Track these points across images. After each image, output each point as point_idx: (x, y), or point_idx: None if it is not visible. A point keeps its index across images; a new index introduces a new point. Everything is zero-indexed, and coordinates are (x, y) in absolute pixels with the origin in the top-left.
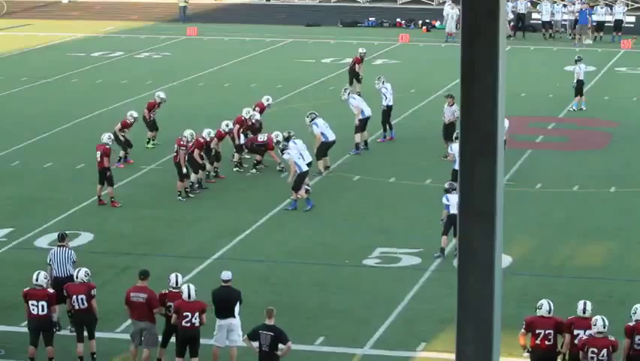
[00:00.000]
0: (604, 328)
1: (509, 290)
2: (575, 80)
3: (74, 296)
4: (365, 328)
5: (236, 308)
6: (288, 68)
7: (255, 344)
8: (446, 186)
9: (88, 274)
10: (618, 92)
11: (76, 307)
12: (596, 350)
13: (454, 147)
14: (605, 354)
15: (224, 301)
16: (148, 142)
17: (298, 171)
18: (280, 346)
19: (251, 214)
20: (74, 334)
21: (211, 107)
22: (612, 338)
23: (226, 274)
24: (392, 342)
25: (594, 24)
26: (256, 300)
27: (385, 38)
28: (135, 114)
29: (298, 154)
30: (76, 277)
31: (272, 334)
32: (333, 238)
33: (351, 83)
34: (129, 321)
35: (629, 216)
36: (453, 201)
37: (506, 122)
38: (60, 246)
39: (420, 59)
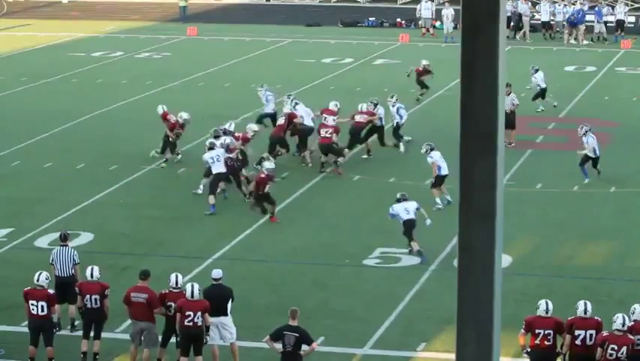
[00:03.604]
0: (623, 326)
1: (509, 290)
2: (539, 89)
3: (87, 296)
4: (365, 328)
5: (229, 306)
6: (288, 68)
7: (278, 345)
8: (398, 196)
9: (100, 272)
10: (618, 92)
11: (88, 305)
12: (615, 348)
13: (434, 155)
14: (625, 352)
15: (216, 300)
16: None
17: None
18: (304, 347)
19: (251, 214)
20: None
21: (211, 108)
22: (631, 337)
23: (216, 273)
24: (392, 342)
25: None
26: (256, 300)
27: (385, 38)
28: (186, 115)
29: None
30: (91, 276)
31: (296, 335)
32: (333, 238)
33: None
34: (129, 321)
35: (629, 216)
36: (397, 210)
37: (515, 99)
38: (62, 245)
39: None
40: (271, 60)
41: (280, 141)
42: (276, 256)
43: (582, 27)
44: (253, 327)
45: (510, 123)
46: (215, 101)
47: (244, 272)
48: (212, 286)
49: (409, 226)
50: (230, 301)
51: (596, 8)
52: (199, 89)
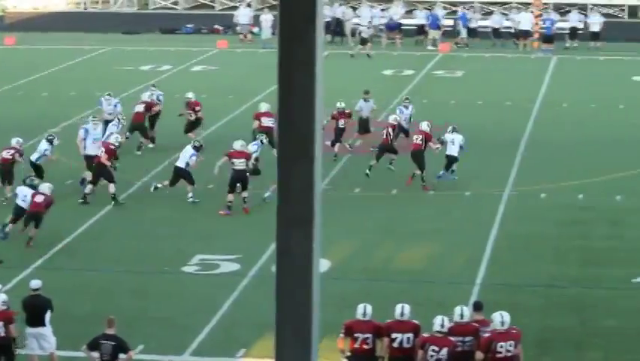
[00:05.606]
0: (442, 327)
1: (328, 295)
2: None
3: None
4: (185, 335)
5: (47, 316)
6: (106, 76)
7: (95, 353)
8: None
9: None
10: (436, 96)
11: None
12: (436, 349)
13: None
14: (445, 353)
15: (34, 310)
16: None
17: None
18: (121, 355)
19: (72, 222)
20: None
21: (29, 118)
22: (452, 339)
23: (35, 283)
24: (212, 348)
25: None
26: (75, 309)
27: (204, 45)
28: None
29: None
30: None
31: (113, 343)
32: (153, 246)
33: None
34: None
35: (447, 219)
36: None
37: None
38: None
39: (238, 64)
40: (90, 68)
41: (141, 127)
42: (95, 265)
43: (439, 32)
44: (72, 336)
45: (366, 128)
46: (35, 111)
47: (64, 281)
48: (30, 297)
49: None
50: (49, 311)
51: (461, 13)
52: (18, 98)
